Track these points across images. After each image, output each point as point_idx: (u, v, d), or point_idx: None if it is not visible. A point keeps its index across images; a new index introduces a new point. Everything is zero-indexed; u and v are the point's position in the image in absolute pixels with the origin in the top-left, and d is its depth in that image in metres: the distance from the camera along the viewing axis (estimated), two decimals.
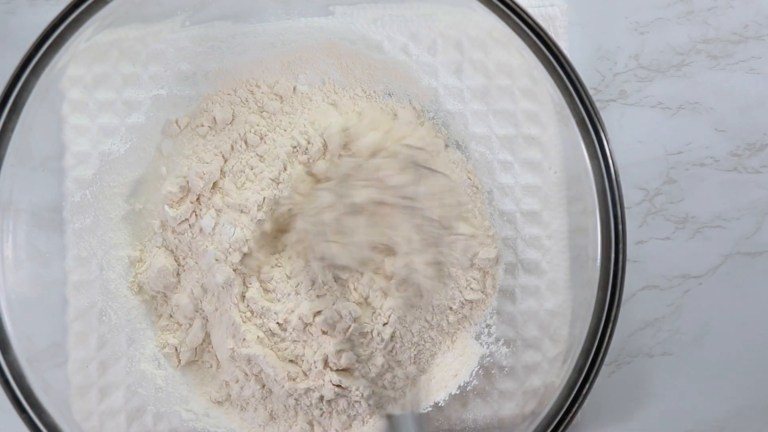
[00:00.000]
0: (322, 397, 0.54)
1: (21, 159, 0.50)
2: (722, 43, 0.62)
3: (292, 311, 0.55)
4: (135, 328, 0.57)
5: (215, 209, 0.56)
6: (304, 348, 0.55)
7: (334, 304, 0.54)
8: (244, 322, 0.55)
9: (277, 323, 0.55)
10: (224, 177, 0.57)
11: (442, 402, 0.55)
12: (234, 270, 0.55)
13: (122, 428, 0.56)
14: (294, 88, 0.59)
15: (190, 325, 0.57)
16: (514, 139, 0.58)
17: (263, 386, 0.56)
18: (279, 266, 0.56)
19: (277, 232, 0.56)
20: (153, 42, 0.56)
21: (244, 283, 0.56)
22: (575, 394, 0.49)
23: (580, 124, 0.49)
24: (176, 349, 0.57)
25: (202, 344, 0.57)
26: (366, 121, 0.55)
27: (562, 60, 0.49)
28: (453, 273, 0.56)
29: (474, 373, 0.56)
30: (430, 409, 0.56)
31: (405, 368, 0.56)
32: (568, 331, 0.55)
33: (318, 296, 0.55)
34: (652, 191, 0.62)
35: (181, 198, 0.57)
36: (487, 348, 0.57)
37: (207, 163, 0.57)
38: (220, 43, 0.56)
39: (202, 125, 0.58)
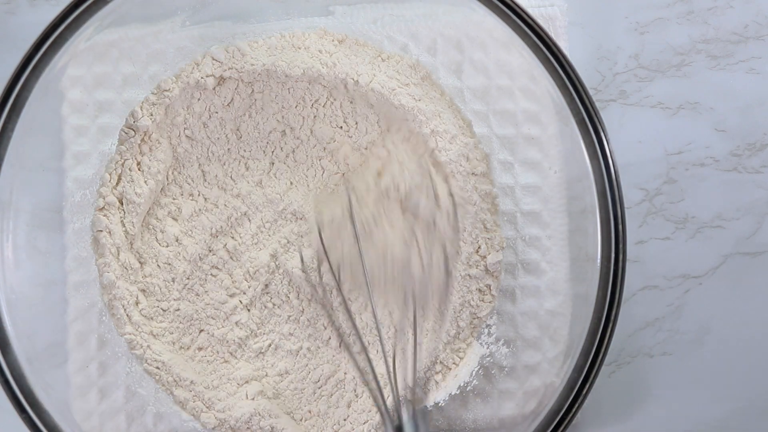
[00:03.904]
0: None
1: (21, 159, 0.50)
2: (722, 43, 0.62)
3: None
4: None
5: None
6: None
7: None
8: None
9: None
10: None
11: (442, 402, 0.55)
12: None
13: (122, 428, 0.56)
14: None
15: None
16: (514, 139, 0.58)
17: None
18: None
19: None
20: (153, 42, 0.56)
21: None
22: (575, 394, 0.49)
23: (580, 124, 0.49)
24: None
25: None
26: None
27: (562, 60, 0.49)
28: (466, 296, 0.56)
29: (474, 373, 0.56)
30: (431, 408, 0.56)
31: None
32: (568, 331, 0.55)
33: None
34: (652, 191, 0.62)
35: None
36: (487, 348, 0.57)
37: None
38: (220, 43, 0.56)
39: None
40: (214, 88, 0.56)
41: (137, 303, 0.56)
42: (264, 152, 0.58)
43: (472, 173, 0.56)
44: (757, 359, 0.61)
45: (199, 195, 0.58)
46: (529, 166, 0.58)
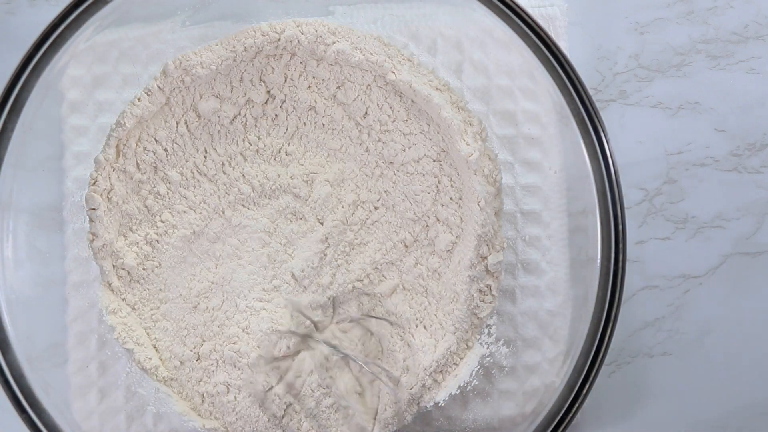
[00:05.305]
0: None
1: (21, 159, 0.50)
2: (722, 43, 0.62)
3: None
4: None
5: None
6: None
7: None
8: None
9: None
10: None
11: (442, 402, 0.55)
12: None
13: (122, 428, 0.56)
14: None
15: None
16: (514, 139, 0.58)
17: None
18: None
19: None
20: (153, 42, 0.56)
21: None
22: (575, 394, 0.49)
23: (580, 124, 0.49)
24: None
25: None
26: None
27: (562, 60, 0.49)
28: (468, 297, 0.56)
29: (474, 373, 0.56)
30: (431, 408, 0.56)
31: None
32: (568, 331, 0.55)
33: None
34: (652, 191, 0.62)
35: None
36: (487, 348, 0.57)
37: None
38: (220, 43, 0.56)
39: None
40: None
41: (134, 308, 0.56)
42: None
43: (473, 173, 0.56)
44: (757, 359, 0.61)
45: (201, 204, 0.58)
46: (529, 167, 0.58)
